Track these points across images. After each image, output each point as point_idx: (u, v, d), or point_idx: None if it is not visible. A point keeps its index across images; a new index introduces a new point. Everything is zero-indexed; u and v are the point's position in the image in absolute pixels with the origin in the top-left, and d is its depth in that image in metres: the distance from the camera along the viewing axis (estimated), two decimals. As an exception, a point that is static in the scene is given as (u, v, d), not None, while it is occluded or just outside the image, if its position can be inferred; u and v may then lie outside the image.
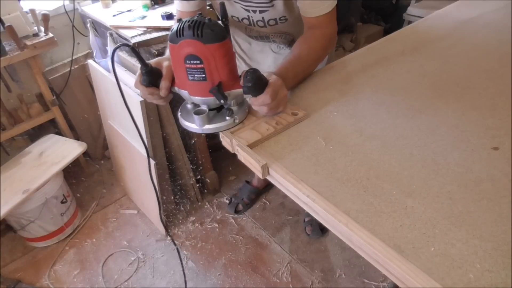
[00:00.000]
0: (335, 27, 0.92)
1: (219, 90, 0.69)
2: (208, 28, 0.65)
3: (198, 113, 0.75)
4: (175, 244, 1.44)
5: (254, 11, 1.00)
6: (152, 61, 0.77)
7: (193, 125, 0.75)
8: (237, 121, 0.76)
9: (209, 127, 0.74)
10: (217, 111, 0.77)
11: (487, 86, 0.82)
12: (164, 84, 0.74)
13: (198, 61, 0.67)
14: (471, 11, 1.19)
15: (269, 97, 0.70)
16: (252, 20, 1.04)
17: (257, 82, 0.70)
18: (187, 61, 0.68)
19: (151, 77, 0.74)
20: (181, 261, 1.35)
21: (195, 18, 0.66)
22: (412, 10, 2.47)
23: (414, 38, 1.06)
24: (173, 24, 0.72)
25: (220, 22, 0.69)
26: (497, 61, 0.91)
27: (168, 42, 0.69)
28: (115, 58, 1.69)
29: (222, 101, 0.71)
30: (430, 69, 0.90)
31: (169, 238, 1.78)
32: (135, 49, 0.70)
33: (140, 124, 1.51)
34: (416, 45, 1.02)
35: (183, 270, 1.42)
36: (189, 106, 0.79)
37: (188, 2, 0.97)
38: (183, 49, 0.66)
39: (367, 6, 3.03)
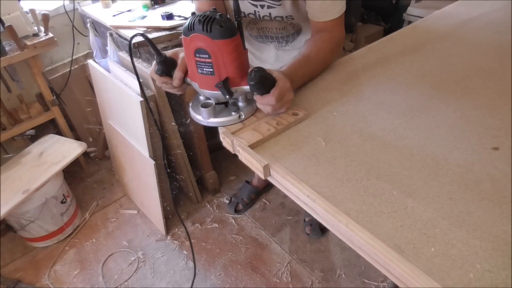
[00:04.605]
0: (343, 32, 0.93)
1: (224, 85, 0.71)
2: (217, 24, 0.66)
3: (205, 105, 0.76)
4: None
5: (262, 6, 1.00)
6: (169, 52, 0.80)
7: (199, 117, 0.77)
8: (242, 117, 0.76)
9: (213, 121, 0.76)
10: (225, 106, 0.78)
11: (487, 86, 0.82)
12: (177, 74, 0.77)
13: (207, 56, 0.68)
14: (471, 11, 1.19)
15: (274, 99, 0.70)
16: (259, 14, 1.04)
17: (261, 81, 0.70)
18: (197, 55, 0.69)
19: (164, 66, 0.77)
20: (191, 246, 1.32)
21: (207, 13, 0.67)
22: (412, 10, 2.47)
23: (414, 38, 1.06)
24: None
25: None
26: (497, 61, 0.91)
27: (182, 35, 0.71)
28: (116, 59, 1.69)
29: (227, 96, 0.73)
30: (430, 69, 0.90)
31: (169, 238, 1.78)
32: (149, 39, 0.73)
33: (140, 124, 1.51)
34: (416, 45, 1.02)
35: (194, 260, 1.40)
36: (201, 97, 0.81)
37: None
38: (194, 42, 0.68)
39: (367, 6, 3.02)
